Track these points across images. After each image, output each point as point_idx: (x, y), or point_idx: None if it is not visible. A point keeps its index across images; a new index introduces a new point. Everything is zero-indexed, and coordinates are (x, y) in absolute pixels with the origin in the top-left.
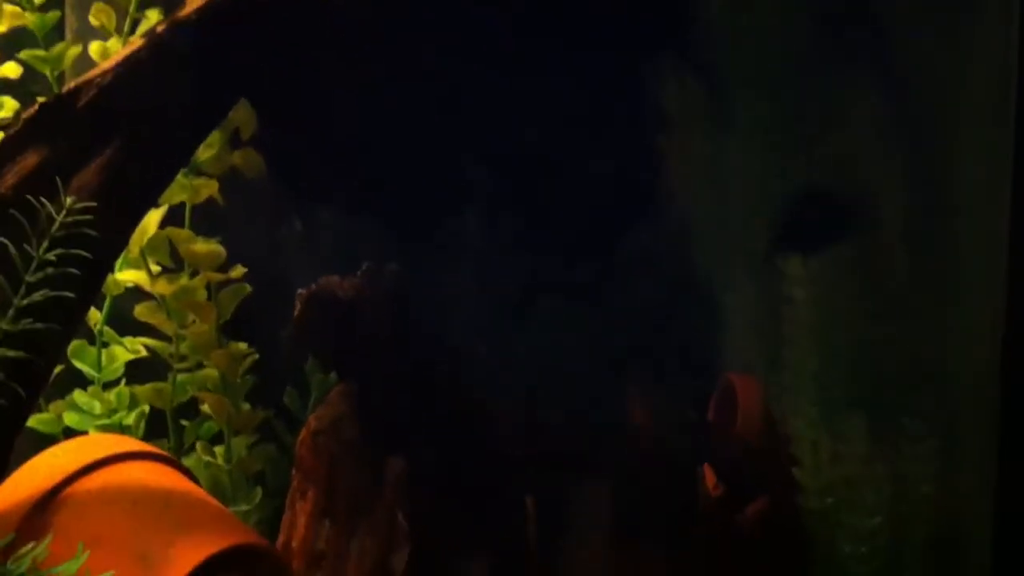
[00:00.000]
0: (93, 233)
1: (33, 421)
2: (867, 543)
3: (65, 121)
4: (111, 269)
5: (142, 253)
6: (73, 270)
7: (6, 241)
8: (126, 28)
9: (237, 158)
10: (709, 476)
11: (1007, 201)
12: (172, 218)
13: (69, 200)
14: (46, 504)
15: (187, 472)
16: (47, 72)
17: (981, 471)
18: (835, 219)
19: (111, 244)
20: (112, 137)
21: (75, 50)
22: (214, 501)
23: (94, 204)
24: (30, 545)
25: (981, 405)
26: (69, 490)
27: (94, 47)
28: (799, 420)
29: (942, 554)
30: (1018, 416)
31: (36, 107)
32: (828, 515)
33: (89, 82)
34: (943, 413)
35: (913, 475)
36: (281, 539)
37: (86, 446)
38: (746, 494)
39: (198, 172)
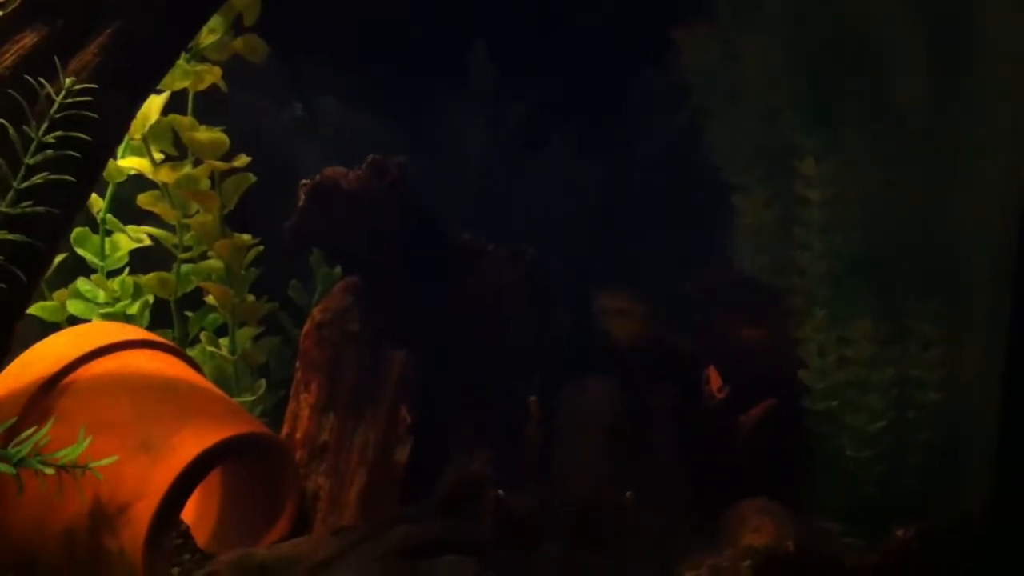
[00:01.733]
0: (93, 115)
1: (36, 309)
2: (871, 447)
3: (63, 2)
4: (113, 154)
5: (144, 140)
6: (73, 153)
7: (5, 122)
8: None
9: (240, 44)
10: (714, 378)
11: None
12: (175, 105)
13: (68, 81)
14: (49, 390)
15: (191, 362)
16: None
17: (987, 381)
18: None
19: (112, 127)
20: (112, 17)
21: None
22: (218, 391)
23: (94, 86)
24: (32, 429)
25: (991, 314)
26: (72, 376)
27: None
28: (807, 323)
29: (945, 461)
30: None
31: None
32: (833, 418)
33: None
34: (952, 320)
35: (919, 381)
36: (284, 430)
37: (89, 333)
38: (751, 395)
39: (201, 58)
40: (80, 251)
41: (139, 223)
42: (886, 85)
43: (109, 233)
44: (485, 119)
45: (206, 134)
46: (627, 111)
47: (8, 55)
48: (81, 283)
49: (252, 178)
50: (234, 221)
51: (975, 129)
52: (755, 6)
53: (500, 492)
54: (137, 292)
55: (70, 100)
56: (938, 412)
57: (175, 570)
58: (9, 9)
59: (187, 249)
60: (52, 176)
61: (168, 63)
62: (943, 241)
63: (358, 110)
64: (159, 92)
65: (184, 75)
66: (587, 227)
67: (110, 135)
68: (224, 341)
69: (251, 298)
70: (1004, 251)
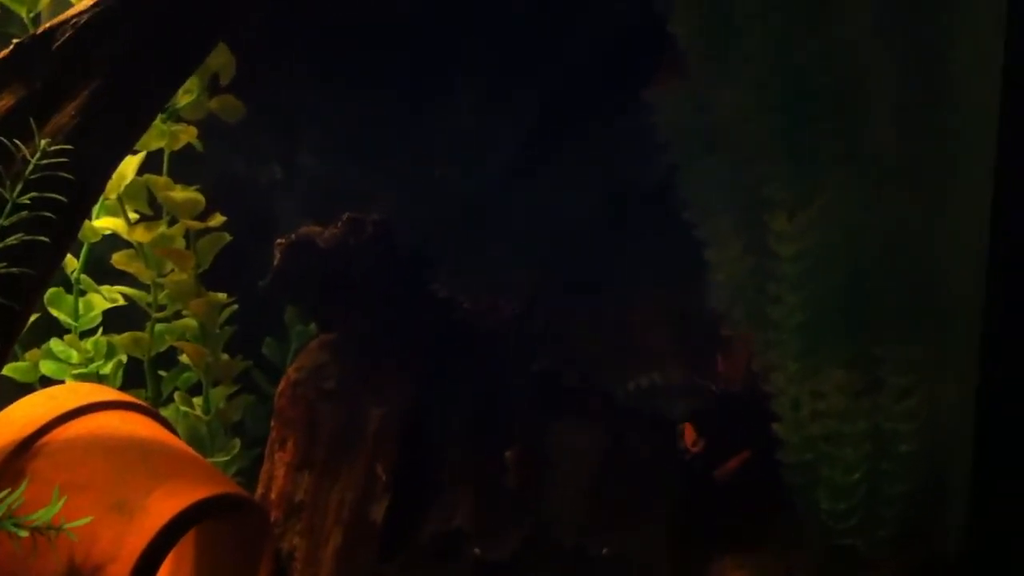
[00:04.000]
0: (69, 176)
1: (9, 369)
2: (846, 499)
3: (40, 62)
4: (88, 215)
5: (120, 200)
6: (49, 214)
7: None
8: None
9: (216, 103)
10: (689, 432)
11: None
12: (150, 165)
13: (44, 142)
14: (22, 452)
15: (165, 422)
16: (23, 13)
17: (960, 429)
18: None
19: (87, 189)
20: (88, 79)
21: None
22: (192, 451)
23: (70, 147)
24: (5, 491)
25: (964, 364)
26: (46, 438)
27: None
28: (780, 376)
29: (920, 512)
30: (1000, 376)
31: (11, 48)
32: (808, 471)
33: (65, 23)
34: (925, 371)
35: (893, 433)
36: (260, 490)
37: (63, 395)
38: (726, 449)
39: (176, 118)
40: (54, 311)
41: (113, 282)
42: (858, 136)
43: (83, 293)
44: (465, 164)
45: (181, 194)
46: (602, 163)
47: None
48: (54, 343)
49: (228, 237)
50: (208, 279)
51: (948, 180)
52: (726, 58)
53: (477, 551)
54: (111, 352)
55: (46, 161)
56: (912, 463)
57: None
58: None
59: (161, 308)
60: (27, 238)
61: (145, 124)
62: (916, 292)
63: (336, 162)
64: (135, 152)
65: (160, 135)
66: (565, 275)
67: (86, 196)
68: (198, 400)
69: (225, 357)
70: (976, 301)
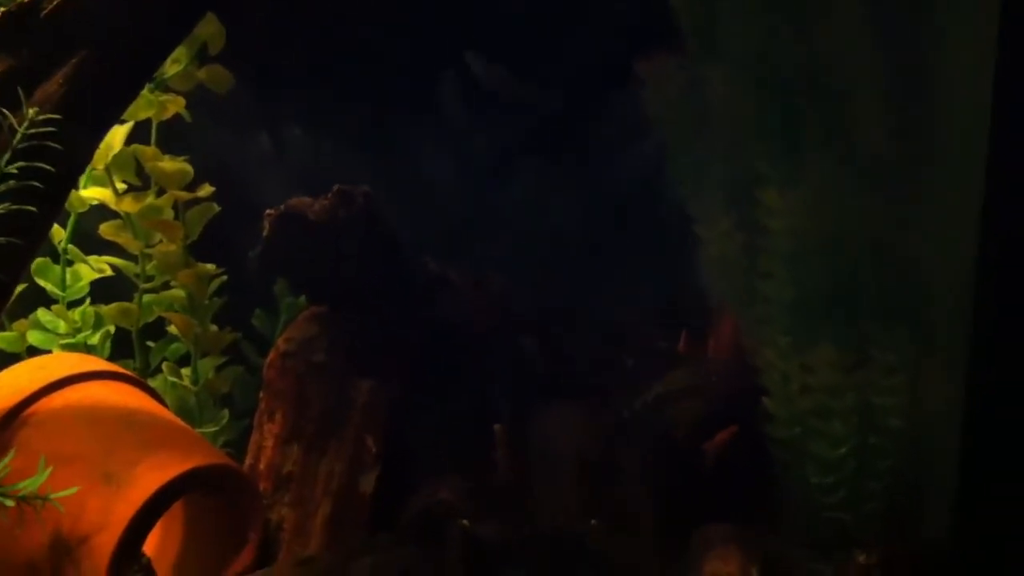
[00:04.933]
0: (56, 146)
1: None
2: (833, 473)
3: (28, 31)
4: (75, 185)
5: (107, 170)
6: (36, 183)
7: None
8: None
9: (204, 74)
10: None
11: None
12: (138, 135)
13: (32, 111)
14: (8, 422)
15: (153, 392)
16: None
17: (949, 406)
18: None
19: (75, 158)
20: (76, 48)
21: None
22: (180, 422)
23: (57, 116)
24: None
25: (952, 341)
26: (32, 408)
27: None
28: (770, 351)
29: (907, 487)
30: (987, 352)
31: None
32: (796, 445)
33: None
34: (913, 348)
35: (881, 408)
36: (248, 461)
37: (50, 364)
38: (715, 423)
39: (165, 88)
40: (41, 281)
41: (101, 253)
42: (849, 115)
43: (70, 263)
44: (453, 149)
45: (170, 164)
46: (593, 142)
47: None
48: (41, 313)
49: (216, 208)
50: (198, 251)
51: (937, 159)
52: (721, 34)
53: (465, 522)
54: (98, 322)
55: (33, 131)
56: (900, 439)
57: None
58: None
59: (149, 279)
60: (14, 207)
61: (133, 94)
62: (906, 269)
63: (324, 140)
64: (123, 122)
65: (148, 105)
66: (553, 255)
67: (73, 165)
68: (186, 371)
69: (214, 328)
70: (965, 279)
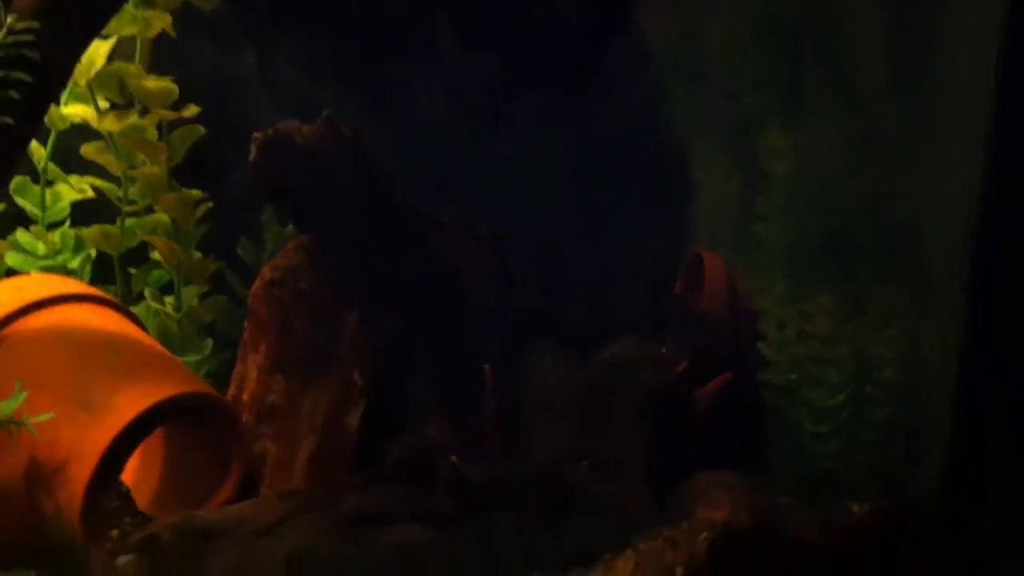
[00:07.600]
0: (34, 55)
1: None
2: (828, 422)
3: None
4: (55, 100)
5: (89, 87)
6: (13, 93)
7: None
8: None
9: None
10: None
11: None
12: (122, 52)
13: (10, 19)
14: None
15: (134, 318)
16: None
17: (944, 358)
18: None
19: (54, 70)
20: None
21: None
22: (162, 348)
23: (36, 24)
24: None
25: (949, 295)
26: (8, 329)
27: None
28: (767, 297)
29: (902, 438)
30: (984, 302)
31: None
32: (791, 391)
33: None
34: (910, 300)
35: (877, 357)
36: (231, 391)
37: (28, 285)
38: (709, 368)
39: (150, 4)
40: (20, 201)
41: (82, 174)
42: (852, 65)
43: (50, 183)
44: (444, 87)
45: (154, 82)
46: (590, 83)
47: None
48: (20, 234)
49: (201, 130)
50: (183, 178)
51: (937, 114)
52: None
53: (454, 459)
54: (79, 245)
55: (11, 39)
56: (895, 389)
57: (114, 532)
58: None
59: (132, 202)
60: None
61: (115, 6)
62: (904, 221)
63: (312, 72)
64: (105, 38)
65: (132, 21)
66: (547, 199)
67: (53, 78)
68: (169, 299)
69: (198, 255)
70: (963, 234)
